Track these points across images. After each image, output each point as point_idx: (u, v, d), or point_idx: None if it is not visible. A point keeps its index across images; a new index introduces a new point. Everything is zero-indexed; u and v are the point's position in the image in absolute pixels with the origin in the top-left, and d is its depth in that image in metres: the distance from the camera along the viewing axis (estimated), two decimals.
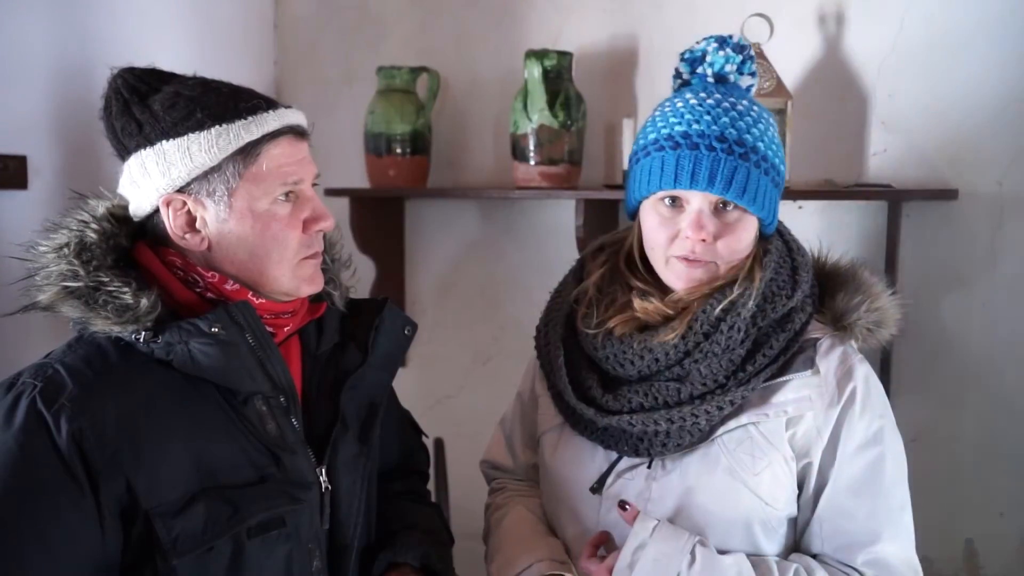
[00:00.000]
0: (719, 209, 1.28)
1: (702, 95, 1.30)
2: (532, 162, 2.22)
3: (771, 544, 1.30)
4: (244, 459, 1.17)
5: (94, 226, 1.18)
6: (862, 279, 1.37)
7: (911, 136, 2.01)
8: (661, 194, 1.29)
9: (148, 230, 1.23)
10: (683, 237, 1.28)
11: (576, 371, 1.39)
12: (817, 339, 1.32)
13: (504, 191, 2.32)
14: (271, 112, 1.19)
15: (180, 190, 1.17)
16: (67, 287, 1.14)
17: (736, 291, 1.29)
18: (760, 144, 1.27)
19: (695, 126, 1.26)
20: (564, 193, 2.22)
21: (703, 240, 1.27)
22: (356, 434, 1.29)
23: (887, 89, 2.02)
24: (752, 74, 1.35)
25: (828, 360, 1.31)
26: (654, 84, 2.26)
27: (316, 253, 1.25)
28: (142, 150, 1.17)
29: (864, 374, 1.31)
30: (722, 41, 1.34)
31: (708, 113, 1.27)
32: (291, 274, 1.22)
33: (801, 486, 1.31)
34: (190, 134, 1.15)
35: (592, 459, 1.38)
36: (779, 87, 1.97)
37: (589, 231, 2.14)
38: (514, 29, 2.44)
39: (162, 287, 1.18)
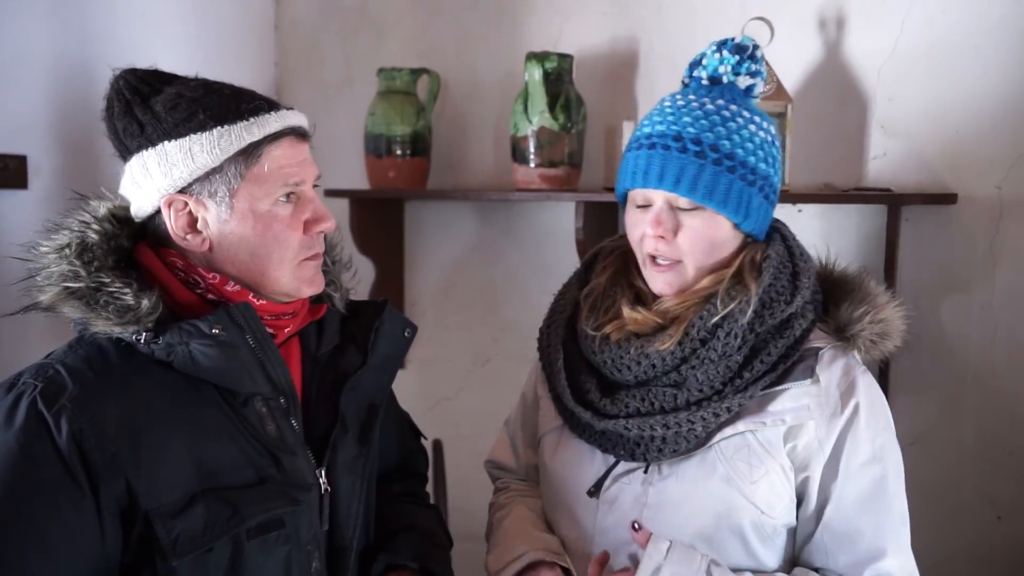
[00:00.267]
0: (679, 208, 1.29)
1: (683, 98, 1.32)
2: (532, 164, 2.22)
3: (768, 552, 1.30)
4: (244, 460, 1.17)
5: (95, 227, 1.18)
6: (868, 289, 1.36)
7: (911, 140, 2.01)
8: (632, 194, 1.33)
9: (149, 231, 1.23)
10: (646, 235, 1.31)
11: (576, 374, 1.39)
12: (819, 348, 1.32)
13: (504, 193, 2.33)
14: (273, 113, 1.19)
15: (182, 191, 1.17)
16: (68, 288, 1.14)
17: (732, 303, 1.29)
18: (725, 143, 1.27)
19: (659, 127, 1.30)
20: (564, 195, 2.23)
21: (661, 237, 1.29)
22: (356, 436, 1.29)
23: (887, 93, 2.02)
24: (753, 74, 1.34)
25: (831, 371, 1.30)
26: (654, 87, 2.26)
27: (317, 254, 1.25)
28: (144, 151, 1.17)
29: (868, 387, 1.31)
30: (721, 44, 1.35)
31: (673, 114, 1.30)
32: (292, 275, 1.22)
33: (801, 499, 1.30)
34: (192, 135, 1.15)
35: (591, 462, 1.38)
36: (779, 90, 1.98)
37: (589, 234, 2.14)
38: (514, 31, 2.44)
39: (163, 288, 1.18)
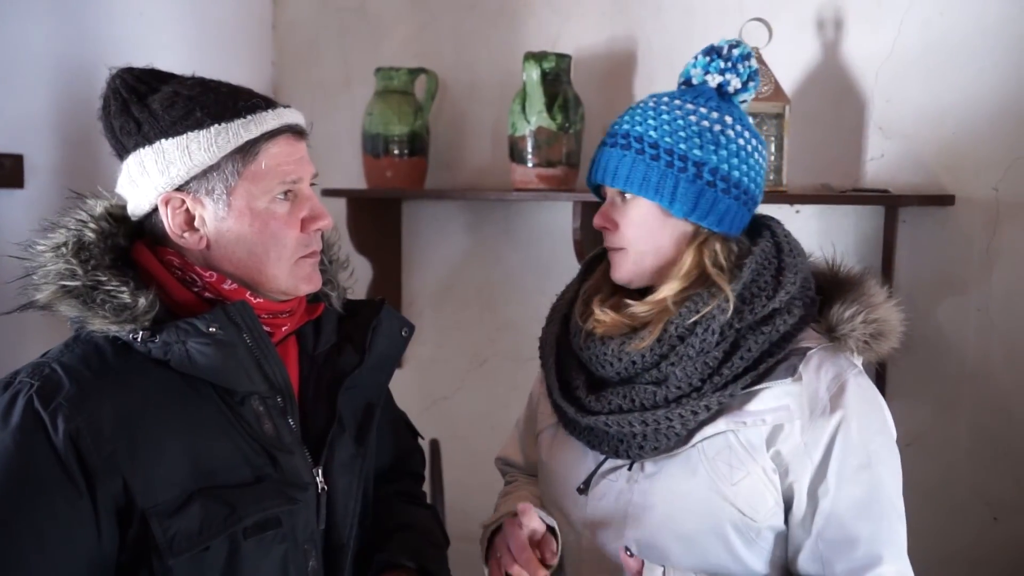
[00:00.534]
0: (624, 200, 1.36)
1: (646, 100, 1.38)
2: (530, 164, 2.23)
3: (752, 555, 1.29)
4: (241, 459, 1.16)
5: (92, 225, 1.18)
6: (863, 290, 1.34)
7: (908, 141, 2.01)
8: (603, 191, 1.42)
9: (146, 229, 1.23)
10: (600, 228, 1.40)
11: (567, 370, 1.41)
12: (808, 349, 1.30)
13: (501, 193, 2.33)
14: (270, 111, 1.19)
15: (179, 189, 1.17)
16: (65, 286, 1.14)
17: (712, 303, 1.28)
18: (652, 134, 1.32)
19: (612, 127, 1.39)
20: (561, 195, 2.23)
21: (605, 227, 1.37)
22: (353, 435, 1.29)
23: (885, 94, 2.02)
24: (722, 72, 1.36)
25: (820, 373, 1.28)
26: (652, 87, 2.26)
27: (314, 252, 1.25)
28: (141, 149, 1.17)
29: (861, 389, 1.28)
30: (706, 49, 1.38)
31: (628, 114, 1.37)
32: (289, 273, 1.22)
33: (789, 504, 1.28)
34: (189, 132, 1.15)
35: (583, 459, 1.38)
36: (777, 91, 1.98)
37: (586, 233, 2.14)
38: (512, 31, 2.44)
39: (160, 286, 1.18)
